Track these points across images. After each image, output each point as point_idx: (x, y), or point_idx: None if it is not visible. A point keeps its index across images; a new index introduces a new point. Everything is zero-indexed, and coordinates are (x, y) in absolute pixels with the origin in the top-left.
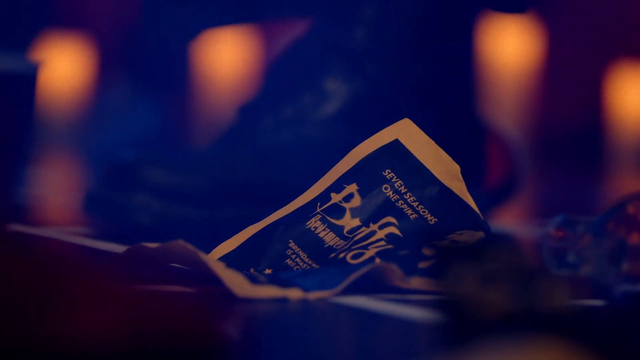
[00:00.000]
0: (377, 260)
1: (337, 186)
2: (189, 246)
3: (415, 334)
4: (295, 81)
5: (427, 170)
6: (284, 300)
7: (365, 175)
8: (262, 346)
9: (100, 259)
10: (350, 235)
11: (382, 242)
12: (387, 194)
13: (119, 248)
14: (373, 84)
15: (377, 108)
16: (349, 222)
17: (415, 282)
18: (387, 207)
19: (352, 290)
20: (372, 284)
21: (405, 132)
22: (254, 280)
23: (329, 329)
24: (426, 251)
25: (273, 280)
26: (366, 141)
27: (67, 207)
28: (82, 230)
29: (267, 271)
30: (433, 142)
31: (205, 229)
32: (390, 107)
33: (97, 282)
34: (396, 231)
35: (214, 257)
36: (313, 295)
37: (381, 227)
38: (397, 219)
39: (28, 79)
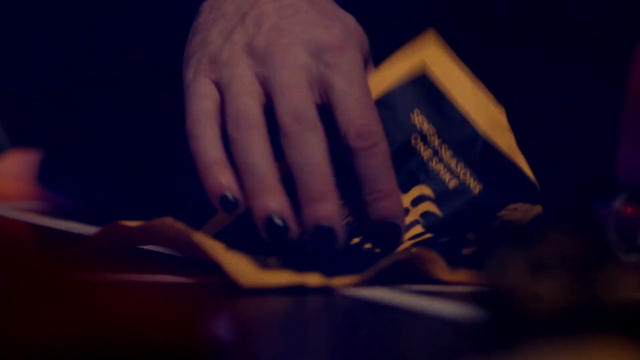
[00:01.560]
0: (413, 249)
1: None
2: (178, 224)
3: (454, 333)
4: None
5: (464, 115)
6: (300, 289)
7: (385, 119)
8: (264, 350)
9: (62, 242)
10: None
11: (419, 227)
12: (417, 149)
13: (87, 229)
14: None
15: None
16: None
17: (462, 275)
18: (419, 171)
19: (383, 278)
20: (407, 274)
21: (433, 59)
22: (261, 263)
23: (348, 328)
24: (471, 236)
25: (286, 263)
26: (380, 70)
27: (19, 177)
28: (39, 205)
29: None
30: (468, 78)
31: (197, 204)
32: None
33: (59, 270)
34: (434, 209)
35: (209, 235)
36: (337, 281)
37: (415, 204)
38: (433, 189)
39: None
